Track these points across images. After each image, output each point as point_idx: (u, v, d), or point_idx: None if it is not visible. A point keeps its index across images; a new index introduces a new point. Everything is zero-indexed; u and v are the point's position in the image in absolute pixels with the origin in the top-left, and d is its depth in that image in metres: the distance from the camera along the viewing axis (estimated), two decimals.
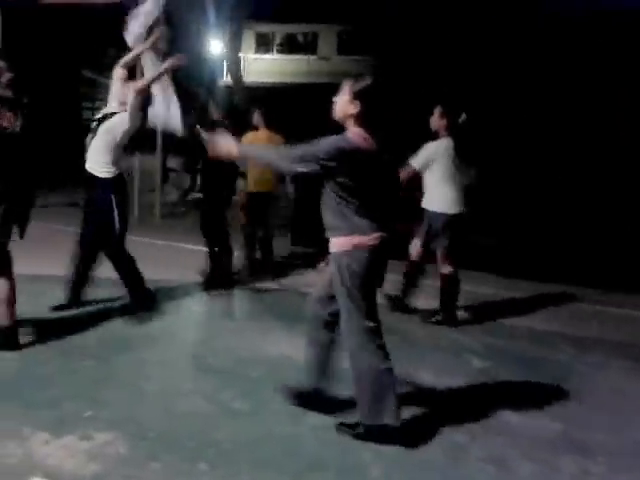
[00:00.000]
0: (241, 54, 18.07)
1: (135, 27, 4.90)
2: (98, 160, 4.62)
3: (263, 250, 6.60)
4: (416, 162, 5.05)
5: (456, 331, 5.00)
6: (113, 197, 4.64)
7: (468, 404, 3.62)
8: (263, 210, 6.51)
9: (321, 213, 3.10)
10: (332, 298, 3.13)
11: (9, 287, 3.94)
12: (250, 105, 14.03)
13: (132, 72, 4.84)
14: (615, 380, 4.19)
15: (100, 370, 3.72)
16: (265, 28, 20.58)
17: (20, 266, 5.85)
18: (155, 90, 4.81)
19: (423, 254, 5.23)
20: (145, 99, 4.67)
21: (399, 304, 5.32)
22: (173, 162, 12.58)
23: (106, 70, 18.58)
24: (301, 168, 2.95)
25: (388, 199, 3.21)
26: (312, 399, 3.29)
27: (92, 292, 5.13)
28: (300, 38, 21.24)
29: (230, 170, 5.89)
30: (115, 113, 4.62)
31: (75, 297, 4.86)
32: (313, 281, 5.46)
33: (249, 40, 20.60)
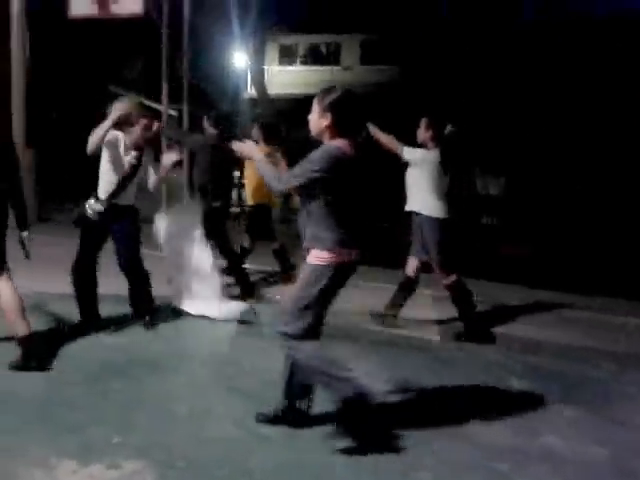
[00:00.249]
0: (265, 66, 18.14)
1: None
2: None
3: (280, 260, 6.65)
4: (405, 151, 5.01)
5: (491, 348, 4.84)
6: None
7: (508, 428, 3.46)
8: (265, 222, 6.58)
9: (300, 224, 3.15)
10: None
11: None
12: (275, 117, 14.05)
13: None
14: None
15: (128, 392, 3.64)
16: (288, 40, 20.62)
17: (45, 283, 5.90)
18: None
19: (419, 269, 5.18)
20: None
21: (388, 320, 5.23)
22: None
23: (132, 85, 18.80)
24: (293, 182, 2.98)
25: (363, 214, 3.29)
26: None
27: (116, 309, 5.10)
28: (323, 49, 21.25)
29: (226, 180, 6.07)
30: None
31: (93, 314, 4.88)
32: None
33: (273, 52, 20.66)
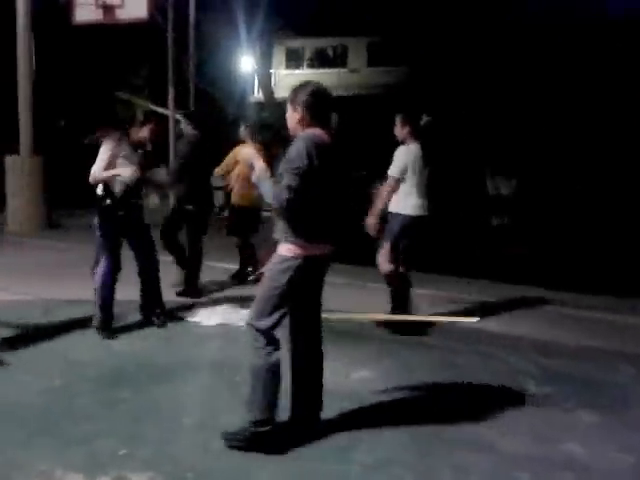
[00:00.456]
0: (272, 70, 18.09)
1: None
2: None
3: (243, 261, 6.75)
4: (395, 171, 4.97)
5: (506, 351, 4.72)
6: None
7: (526, 436, 3.34)
8: (254, 224, 6.66)
9: (276, 215, 3.07)
10: None
11: None
12: (281, 121, 13.99)
13: None
14: None
15: (137, 402, 3.55)
16: (295, 43, 20.57)
17: (54, 289, 5.85)
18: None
19: (396, 262, 5.09)
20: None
21: (399, 328, 5.09)
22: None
23: (140, 90, 18.76)
24: (288, 194, 2.85)
25: (340, 209, 3.19)
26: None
27: (125, 316, 5.03)
28: (330, 52, 21.18)
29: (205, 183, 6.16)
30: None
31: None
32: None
33: (279, 56, 20.61)
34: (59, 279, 6.45)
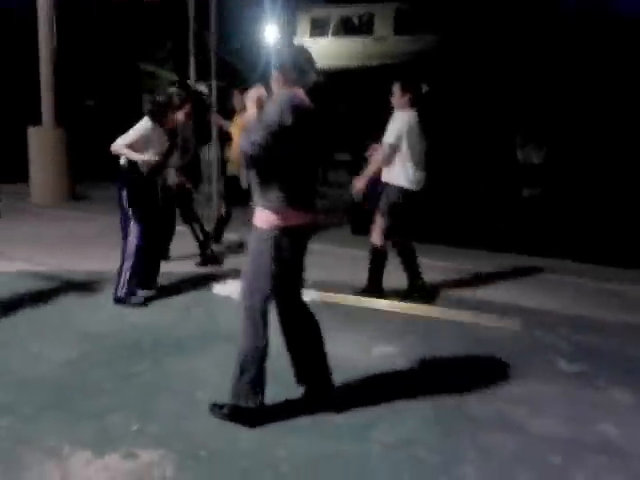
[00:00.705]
0: (296, 39, 17.72)
1: None
2: None
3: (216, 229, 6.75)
4: (391, 137, 4.79)
5: (534, 326, 4.52)
6: None
7: (558, 416, 3.16)
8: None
9: (252, 181, 2.89)
10: None
11: None
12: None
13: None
14: None
15: (152, 376, 3.45)
16: (320, 12, 20.10)
17: (77, 261, 5.80)
18: None
19: (389, 237, 4.97)
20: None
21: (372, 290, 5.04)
22: None
23: (164, 62, 18.58)
24: (258, 141, 2.65)
25: (315, 178, 3.03)
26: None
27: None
28: (355, 20, 20.64)
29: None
30: None
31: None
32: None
33: (304, 24, 20.16)
34: (81, 250, 6.40)
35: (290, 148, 2.73)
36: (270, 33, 18.88)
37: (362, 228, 7.20)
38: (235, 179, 6.58)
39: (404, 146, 4.81)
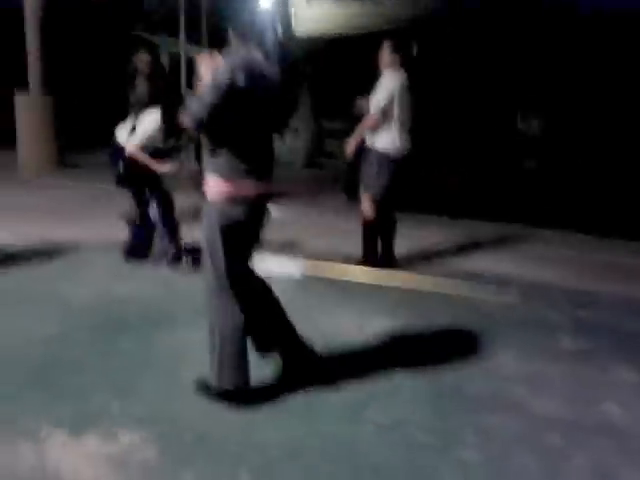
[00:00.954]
0: (292, 5, 17.27)
1: None
2: None
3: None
4: (382, 98, 4.62)
5: (534, 300, 4.39)
6: None
7: (560, 396, 3.03)
8: None
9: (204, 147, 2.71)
10: None
11: None
12: (303, 58, 13.36)
13: None
14: None
15: (136, 353, 3.31)
16: None
17: (62, 230, 5.62)
18: None
19: (380, 207, 4.82)
20: None
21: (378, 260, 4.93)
22: None
23: (157, 28, 18.16)
24: (207, 102, 2.47)
25: (271, 145, 2.78)
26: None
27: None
28: None
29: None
30: None
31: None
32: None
33: None
34: (67, 221, 6.22)
35: (242, 111, 2.52)
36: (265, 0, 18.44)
37: (357, 195, 7.04)
38: None
39: (394, 108, 4.64)
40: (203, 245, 2.70)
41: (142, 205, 4.76)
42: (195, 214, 4.81)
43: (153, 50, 6.16)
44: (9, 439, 2.45)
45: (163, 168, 4.61)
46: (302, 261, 4.96)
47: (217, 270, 2.66)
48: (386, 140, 4.69)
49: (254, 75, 2.53)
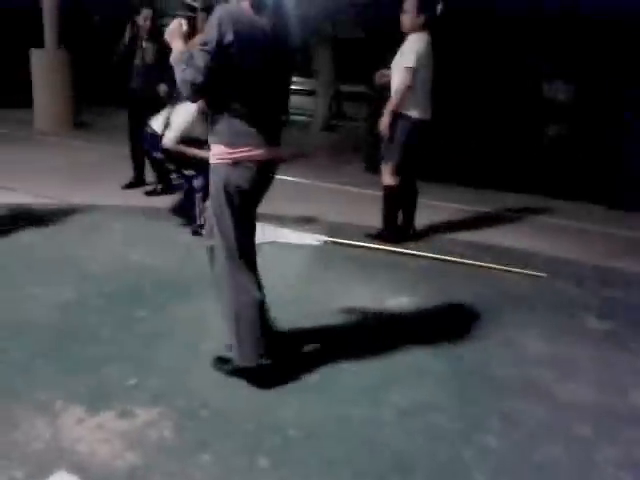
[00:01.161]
0: None
1: None
2: None
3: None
4: (412, 60, 4.39)
5: (558, 276, 4.26)
6: None
7: (589, 383, 2.93)
8: None
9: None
10: None
11: None
12: (321, 16, 12.95)
13: None
14: None
15: (152, 323, 3.25)
16: None
17: (77, 192, 5.55)
18: None
19: (402, 174, 4.69)
20: None
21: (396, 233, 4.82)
22: None
23: None
24: (200, 65, 2.30)
25: (279, 106, 2.63)
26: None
27: (153, 224, 4.74)
28: None
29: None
30: None
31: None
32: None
33: None
34: (84, 182, 6.15)
35: (235, 69, 2.35)
36: None
37: (376, 166, 6.87)
38: None
39: (420, 72, 4.45)
40: (211, 216, 2.61)
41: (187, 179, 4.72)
42: None
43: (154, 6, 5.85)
44: (24, 412, 2.40)
45: (204, 154, 4.47)
46: (320, 235, 4.84)
47: (226, 238, 2.55)
48: (410, 104, 4.50)
49: (243, 26, 2.34)
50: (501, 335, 3.35)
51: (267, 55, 2.43)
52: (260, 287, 2.68)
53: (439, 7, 4.44)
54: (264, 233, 4.71)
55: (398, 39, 4.59)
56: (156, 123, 4.73)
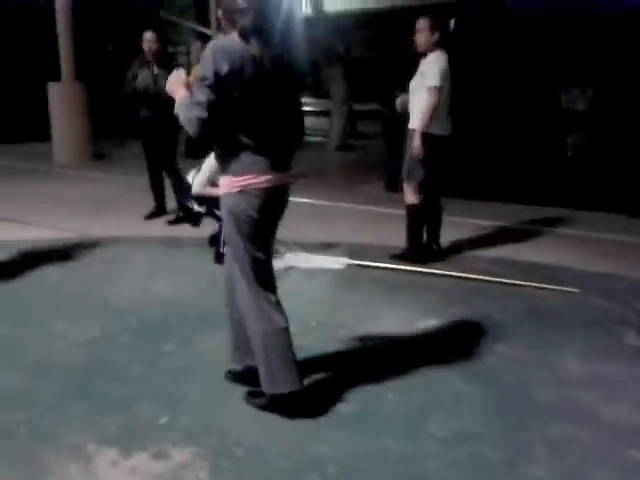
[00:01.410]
0: None
1: None
2: None
3: None
4: (436, 79, 4.36)
5: (595, 292, 4.14)
6: None
7: (633, 402, 2.81)
8: None
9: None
10: None
11: None
12: (332, 36, 13.05)
13: None
14: None
15: (180, 357, 3.19)
16: None
17: (95, 225, 5.55)
18: None
19: (424, 192, 4.63)
20: None
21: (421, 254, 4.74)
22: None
23: (186, 11, 17.96)
24: (201, 100, 2.32)
25: (288, 132, 2.57)
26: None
27: (174, 254, 4.70)
28: None
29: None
30: None
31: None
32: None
33: None
34: (105, 215, 6.16)
35: (236, 99, 2.35)
36: None
37: (396, 185, 6.79)
38: None
39: (443, 88, 4.43)
40: (227, 246, 2.62)
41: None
42: None
43: (159, 29, 5.89)
44: (55, 458, 2.34)
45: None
46: (343, 257, 4.77)
47: (242, 268, 2.54)
48: (432, 121, 4.45)
49: (236, 58, 2.33)
50: (537, 355, 3.25)
51: (263, 82, 2.41)
52: (283, 312, 2.61)
53: (451, 23, 4.42)
54: (286, 259, 4.67)
55: (411, 59, 4.57)
56: (191, 174, 4.70)
